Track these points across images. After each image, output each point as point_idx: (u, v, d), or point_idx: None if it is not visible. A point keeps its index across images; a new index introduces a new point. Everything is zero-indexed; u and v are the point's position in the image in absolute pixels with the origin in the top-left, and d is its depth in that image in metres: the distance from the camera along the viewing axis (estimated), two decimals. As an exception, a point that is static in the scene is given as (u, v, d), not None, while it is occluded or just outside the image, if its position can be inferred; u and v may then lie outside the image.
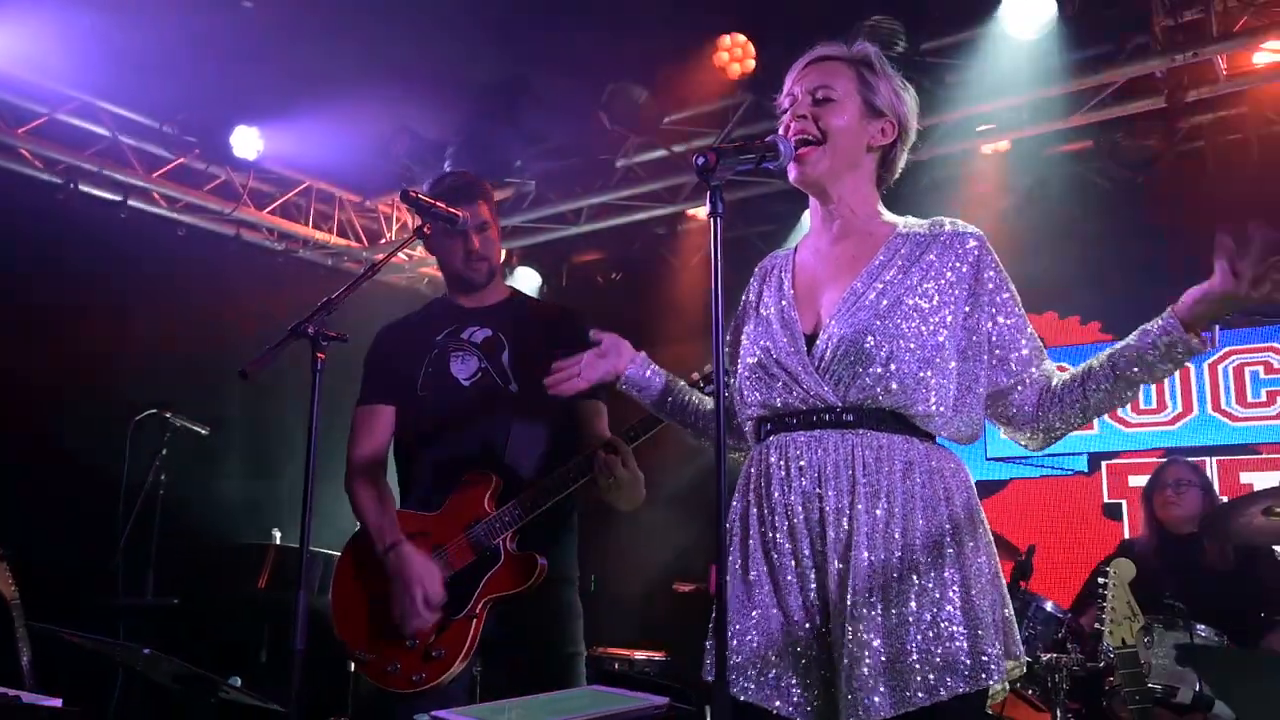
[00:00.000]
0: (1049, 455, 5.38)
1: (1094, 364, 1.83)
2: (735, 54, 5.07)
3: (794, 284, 1.99)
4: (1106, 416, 5.33)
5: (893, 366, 1.80)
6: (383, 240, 7.07)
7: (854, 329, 1.83)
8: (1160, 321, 1.77)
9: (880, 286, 1.87)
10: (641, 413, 2.44)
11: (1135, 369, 1.79)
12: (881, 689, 1.70)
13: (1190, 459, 4.40)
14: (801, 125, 1.93)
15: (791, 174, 1.94)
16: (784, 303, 1.96)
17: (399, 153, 5.96)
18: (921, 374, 1.81)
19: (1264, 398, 4.96)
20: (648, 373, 2.20)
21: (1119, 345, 1.81)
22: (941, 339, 1.83)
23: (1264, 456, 4.92)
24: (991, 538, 1.87)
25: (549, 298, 6.80)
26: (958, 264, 1.88)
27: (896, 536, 1.77)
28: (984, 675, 1.72)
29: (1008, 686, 1.87)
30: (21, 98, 5.44)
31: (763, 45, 5.06)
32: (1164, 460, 4.42)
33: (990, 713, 3.65)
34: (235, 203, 6.35)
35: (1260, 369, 5.00)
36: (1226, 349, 5.08)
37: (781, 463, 1.84)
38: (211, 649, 4.48)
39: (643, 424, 2.48)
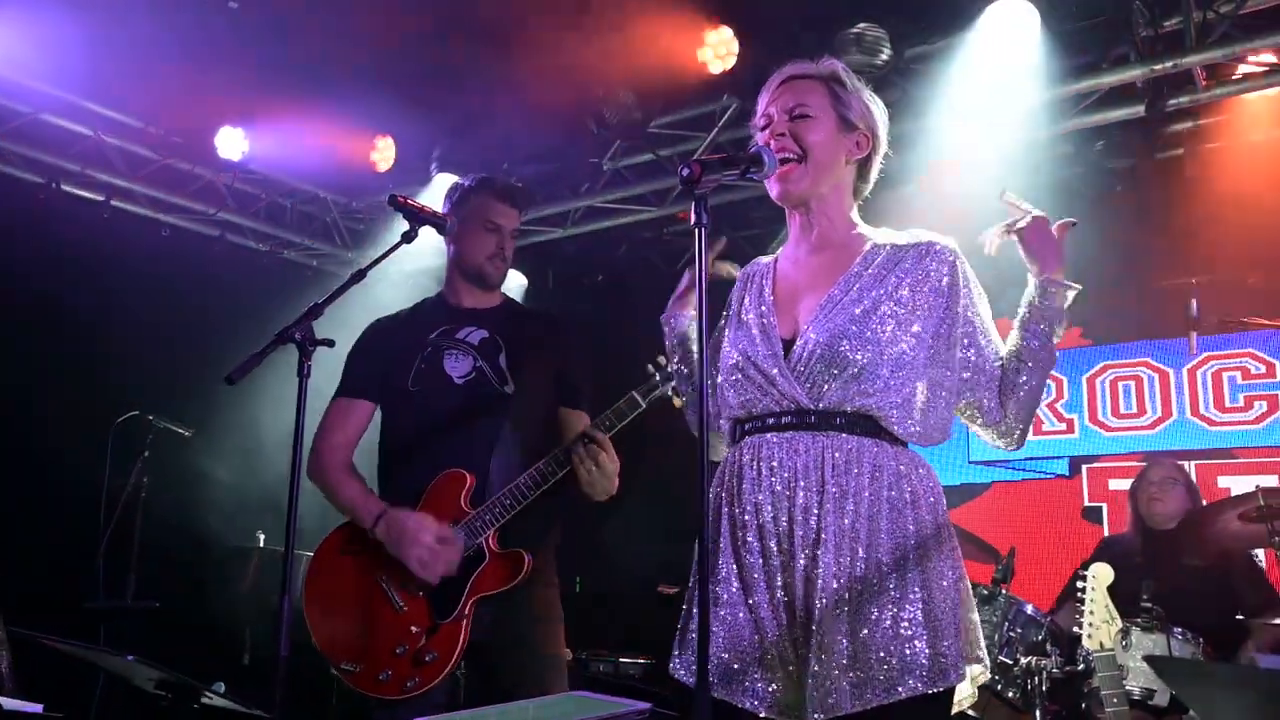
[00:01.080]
0: (1030, 459, 5.43)
1: (1014, 342, 1.97)
2: (719, 50, 5.10)
3: (774, 291, 2.05)
4: (1087, 421, 5.38)
5: (866, 371, 1.86)
6: (367, 243, 7.06)
7: (830, 334, 1.89)
8: (1032, 284, 1.97)
9: (856, 294, 1.93)
10: (615, 402, 2.50)
11: (1041, 325, 1.95)
12: (844, 686, 1.76)
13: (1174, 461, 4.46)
14: (781, 143, 1.99)
15: (774, 190, 2.01)
16: (763, 308, 2.02)
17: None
18: (893, 379, 1.87)
19: (1241, 403, 5.02)
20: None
21: (1019, 319, 1.98)
22: (914, 345, 1.89)
23: (1241, 461, 4.97)
24: (957, 542, 1.92)
25: (535, 301, 6.81)
26: (932, 274, 1.95)
27: (863, 538, 1.82)
28: (943, 677, 1.77)
29: (975, 693, 1.90)
30: (3, 97, 5.41)
31: (749, 47, 5.09)
32: (1148, 460, 4.48)
33: (971, 714, 3.68)
34: (219, 204, 6.33)
35: (1238, 374, 5.05)
36: (1205, 355, 5.13)
37: (754, 463, 1.89)
38: (193, 652, 4.46)
39: (617, 413, 2.53)
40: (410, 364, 2.78)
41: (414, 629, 2.58)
